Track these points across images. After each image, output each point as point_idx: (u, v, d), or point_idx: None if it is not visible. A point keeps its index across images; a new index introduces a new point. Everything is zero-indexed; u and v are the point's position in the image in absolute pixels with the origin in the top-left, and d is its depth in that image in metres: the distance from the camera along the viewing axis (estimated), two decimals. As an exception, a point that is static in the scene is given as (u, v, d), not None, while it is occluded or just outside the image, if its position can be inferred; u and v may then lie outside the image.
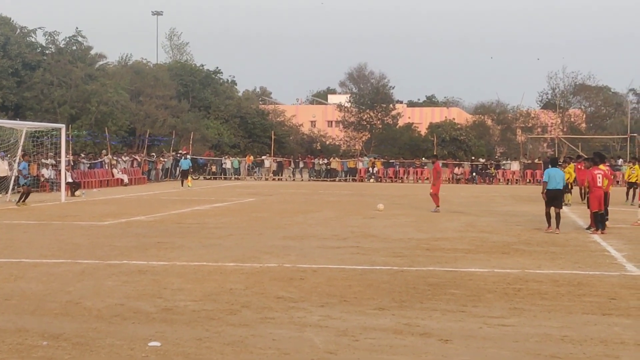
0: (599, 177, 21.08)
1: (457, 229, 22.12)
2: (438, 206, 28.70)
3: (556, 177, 21.33)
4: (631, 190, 32.23)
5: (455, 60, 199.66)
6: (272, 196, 38.62)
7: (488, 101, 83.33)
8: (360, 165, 64.86)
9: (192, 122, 68.49)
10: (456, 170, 63.97)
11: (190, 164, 53.12)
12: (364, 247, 17.42)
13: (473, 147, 72.48)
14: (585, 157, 30.52)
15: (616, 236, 19.82)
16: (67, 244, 17.59)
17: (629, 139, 66.20)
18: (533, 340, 8.87)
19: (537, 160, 65.24)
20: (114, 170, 50.96)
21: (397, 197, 38.88)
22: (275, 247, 17.31)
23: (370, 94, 79.66)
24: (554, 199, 21.21)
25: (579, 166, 32.17)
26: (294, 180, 63.23)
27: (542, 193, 22.25)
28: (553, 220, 21.10)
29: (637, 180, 31.36)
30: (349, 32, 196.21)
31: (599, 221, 21.18)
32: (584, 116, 79.79)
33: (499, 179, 61.73)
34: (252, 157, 66.69)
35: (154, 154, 60.72)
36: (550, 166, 22.59)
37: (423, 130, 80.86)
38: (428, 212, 28.31)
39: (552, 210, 21.20)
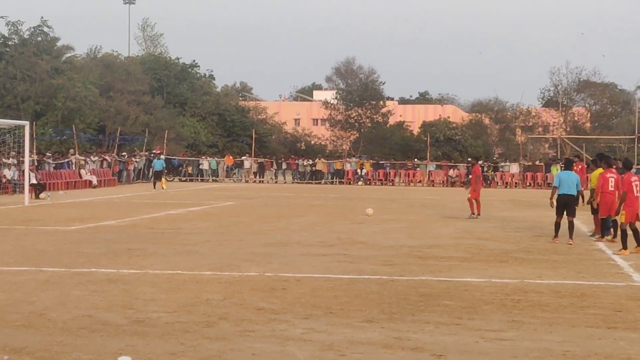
0: (612, 181, 20.71)
1: (451, 236, 22.17)
2: (479, 213, 28.42)
3: (568, 181, 20.66)
4: None
5: (450, 54, 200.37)
6: (253, 199, 38.64)
7: (485, 98, 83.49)
8: (347, 167, 64.98)
9: (167, 119, 68.44)
10: (451, 172, 64.16)
11: (164, 165, 53.19)
12: (351, 255, 17.44)
13: (469, 148, 72.66)
14: (590, 158, 30.49)
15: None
16: (30, 251, 17.54)
17: (636, 139, 66.35)
18: (533, 356, 8.91)
19: (538, 162, 65.45)
20: (82, 171, 50.86)
21: (387, 200, 38.97)
22: (256, 254, 17.31)
23: (359, 90, 79.62)
24: (565, 205, 20.55)
25: (576, 168, 32.20)
26: (276, 182, 63.31)
27: (550, 199, 21.77)
28: (565, 229, 20.36)
29: None
30: (337, 24, 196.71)
31: (606, 228, 21.18)
32: (589, 115, 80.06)
33: (497, 182, 61.93)
34: (231, 158, 66.70)
35: (125, 153, 60.58)
36: (564, 168, 21.93)
37: (415, 129, 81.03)
38: (420, 217, 28.37)
39: (564, 218, 20.50)
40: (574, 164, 31.68)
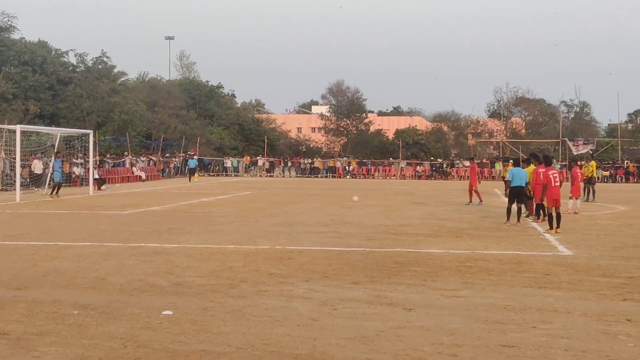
0: (555, 177, 20.05)
1: (418, 217, 22.16)
2: (480, 200, 27.58)
3: (519, 175, 20.32)
4: (586, 187, 30.58)
5: (417, 77, 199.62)
6: (265, 190, 38.61)
7: (445, 111, 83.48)
8: (338, 164, 65.09)
9: (199, 128, 68.39)
10: (418, 168, 64.25)
11: (197, 163, 53.22)
12: (341, 232, 17.43)
13: (432, 149, 72.66)
14: (525, 157, 30.33)
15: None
16: (94, 230, 17.54)
17: (560, 142, 66.70)
18: (481, 309, 8.92)
19: (485, 160, 65.57)
20: (134, 169, 50.84)
21: (369, 190, 38.95)
22: (267, 232, 17.30)
23: (347, 105, 79.62)
24: (517, 195, 20.19)
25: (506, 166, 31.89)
26: (283, 176, 63.28)
27: (505, 191, 21.18)
28: (513, 215, 20.02)
29: (592, 174, 30.91)
30: (330, 54, 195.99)
31: (539, 210, 21.08)
32: (524, 124, 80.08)
33: (453, 176, 62.01)
34: (248, 158, 66.75)
35: (167, 154, 60.67)
36: (513, 165, 21.48)
37: (390, 135, 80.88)
38: (394, 203, 28.34)
39: (515, 205, 20.08)
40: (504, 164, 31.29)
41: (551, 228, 18.00)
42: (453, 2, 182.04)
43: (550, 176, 18.48)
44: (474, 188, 28.10)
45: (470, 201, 27.95)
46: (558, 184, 18.57)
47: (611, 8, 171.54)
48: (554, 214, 18.13)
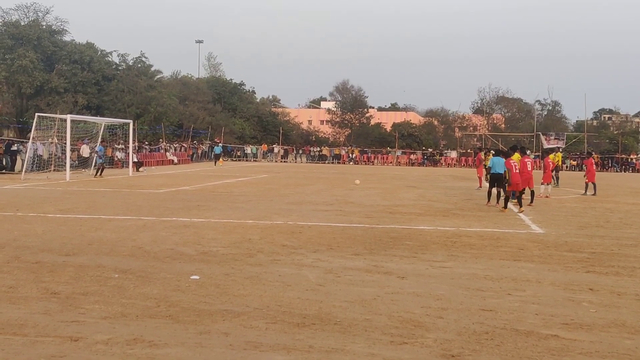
0: (529, 164, 19.65)
1: (411, 199, 22.14)
2: (480, 186, 26.77)
3: (498, 164, 19.91)
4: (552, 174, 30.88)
5: (411, 78, 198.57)
6: (280, 174, 38.61)
7: (435, 107, 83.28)
8: (343, 152, 65.01)
9: (223, 119, 68.33)
10: (411, 156, 64.19)
11: (221, 150, 53.28)
12: (345, 211, 17.42)
13: (424, 140, 72.45)
14: (505, 148, 30.26)
15: (524, 206, 19.79)
16: (133, 206, 17.59)
17: (535, 136, 66.45)
18: (464, 278, 8.91)
19: (469, 150, 65.36)
20: (167, 153, 50.91)
21: (369, 175, 38.91)
22: (281, 209, 17.31)
23: (351, 102, 79.33)
24: (496, 180, 19.85)
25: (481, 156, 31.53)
26: (295, 162, 63.24)
27: (486, 176, 21.27)
28: (493, 197, 19.98)
29: (558, 163, 30.97)
30: (337, 57, 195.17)
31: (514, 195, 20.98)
32: (503, 119, 79.74)
33: (442, 163, 61.88)
34: (266, 145, 66.75)
35: (195, 142, 60.70)
36: (494, 155, 21.34)
37: (388, 127, 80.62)
38: (391, 186, 28.32)
39: (495, 189, 19.92)
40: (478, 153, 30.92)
41: (521, 206, 18.20)
42: (444, 17, 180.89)
43: (528, 163, 18.60)
44: (478, 174, 27.96)
45: (481, 185, 26.91)
46: (530, 168, 18.69)
47: (582, 24, 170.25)
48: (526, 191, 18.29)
